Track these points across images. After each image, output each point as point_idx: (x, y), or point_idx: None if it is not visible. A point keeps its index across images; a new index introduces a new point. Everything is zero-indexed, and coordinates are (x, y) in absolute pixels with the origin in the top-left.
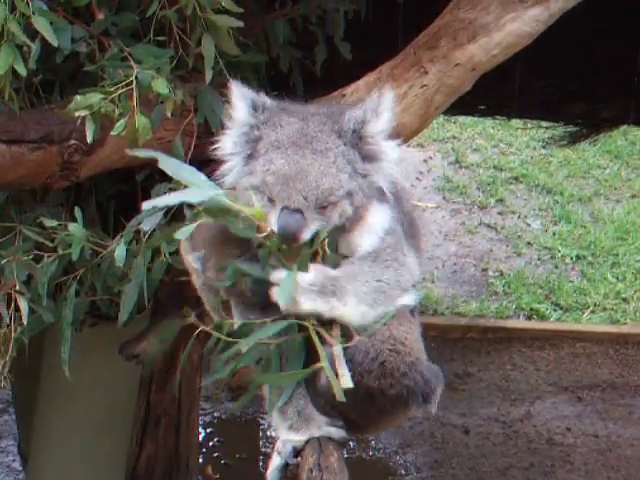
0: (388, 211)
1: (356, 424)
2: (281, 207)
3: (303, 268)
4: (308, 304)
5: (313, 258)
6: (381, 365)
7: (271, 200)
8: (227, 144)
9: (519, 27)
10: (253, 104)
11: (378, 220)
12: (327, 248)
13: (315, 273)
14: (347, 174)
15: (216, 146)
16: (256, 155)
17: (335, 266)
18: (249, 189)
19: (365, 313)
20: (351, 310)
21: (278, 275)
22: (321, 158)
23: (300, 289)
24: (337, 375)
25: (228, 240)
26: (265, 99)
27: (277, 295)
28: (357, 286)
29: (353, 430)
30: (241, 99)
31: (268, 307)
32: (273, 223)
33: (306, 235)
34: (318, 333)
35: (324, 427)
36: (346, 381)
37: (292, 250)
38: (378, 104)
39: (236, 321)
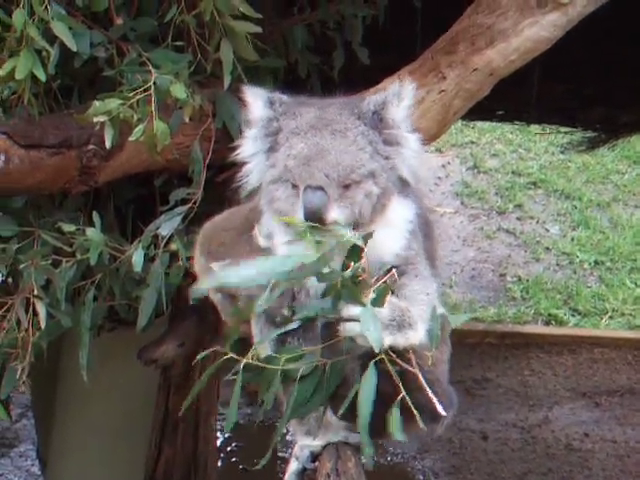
0: (412, 207)
1: (375, 429)
2: (304, 187)
3: (379, 303)
4: (389, 340)
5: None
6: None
7: (295, 186)
8: (247, 145)
9: (537, 32)
10: (269, 99)
11: (402, 214)
12: (396, 276)
13: (390, 307)
14: (368, 154)
15: (237, 151)
16: (277, 147)
17: (392, 291)
18: (274, 182)
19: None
20: (422, 335)
21: (354, 311)
22: (340, 137)
23: (381, 326)
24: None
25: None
26: (281, 95)
27: (357, 333)
28: (420, 311)
29: (372, 435)
30: (256, 98)
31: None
32: (298, 208)
33: (331, 214)
34: (392, 361)
35: (341, 432)
36: (439, 407)
37: (358, 285)
38: (400, 90)
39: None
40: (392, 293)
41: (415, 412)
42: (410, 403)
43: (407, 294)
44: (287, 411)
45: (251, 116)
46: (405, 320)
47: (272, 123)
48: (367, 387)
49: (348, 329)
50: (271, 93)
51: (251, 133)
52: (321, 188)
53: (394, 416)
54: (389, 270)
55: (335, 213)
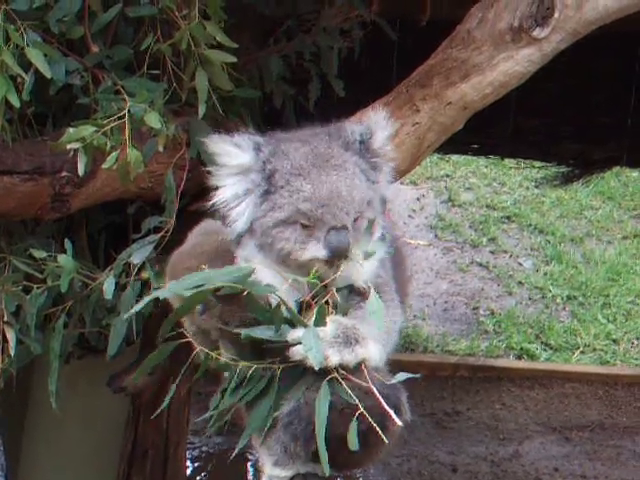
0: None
1: (343, 462)
2: (327, 229)
3: (321, 322)
4: (336, 358)
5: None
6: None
7: (306, 227)
8: (233, 190)
9: (511, 67)
10: (254, 143)
11: (379, 240)
12: (337, 297)
13: (334, 325)
14: (365, 183)
15: (217, 198)
16: (273, 190)
17: (345, 313)
18: (278, 225)
19: (381, 352)
20: (373, 352)
21: (297, 334)
22: (343, 172)
23: (325, 344)
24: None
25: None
26: (256, 137)
27: (302, 354)
28: (370, 330)
29: (339, 467)
30: (237, 146)
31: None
32: (316, 250)
33: (352, 250)
34: (345, 378)
35: (309, 463)
36: (395, 418)
37: (304, 308)
38: (380, 120)
39: (246, 364)
40: (345, 315)
41: (375, 426)
42: (370, 418)
43: (359, 314)
44: (247, 426)
45: (232, 162)
46: (351, 337)
47: (265, 166)
48: (322, 404)
49: (294, 352)
50: (248, 136)
51: (236, 179)
52: (345, 227)
53: (352, 429)
54: (338, 290)
55: (355, 247)
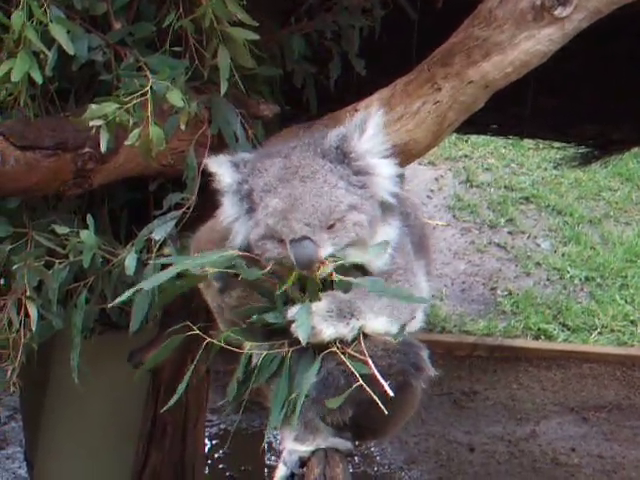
0: (397, 226)
1: (368, 429)
2: (289, 241)
3: (314, 298)
4: (330, 331)
5: (324, 287)
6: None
7: (281, 241)
8: (227, 211)
9: (533, 46)
10: (232, 164)
11: (387, 235)
12: (335, 274)
13: (328, 299)
14: (342, 189)
15: (220, 216)
16: (255, 207)
17: (346, 290)
18: (260, 240)
19: (387, 322)
20: (373, 324)
21: (293, 311)
22: (310, 182)
23: (318, 318)
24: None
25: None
26: (244, 154)
27: (296, 330)
28: (371, 304)
29: (365, 436)
30: (220, 166)
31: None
32: (291, 259)
33: (322, 258)
34: (345, 353)
35: (330, 438)
36: (390, 391)
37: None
38: (363, 121)
39: (257, 351)
40: (343, 289)
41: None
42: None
43: (362, 290)
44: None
45: (222, 184)
46: (346, 311)
47: (242, 186)
48: (308, 374)
49: (293, 329)
50: (234, 157)
51: (227, 199)
52: (305, 237)
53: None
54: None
55: (326, 252)
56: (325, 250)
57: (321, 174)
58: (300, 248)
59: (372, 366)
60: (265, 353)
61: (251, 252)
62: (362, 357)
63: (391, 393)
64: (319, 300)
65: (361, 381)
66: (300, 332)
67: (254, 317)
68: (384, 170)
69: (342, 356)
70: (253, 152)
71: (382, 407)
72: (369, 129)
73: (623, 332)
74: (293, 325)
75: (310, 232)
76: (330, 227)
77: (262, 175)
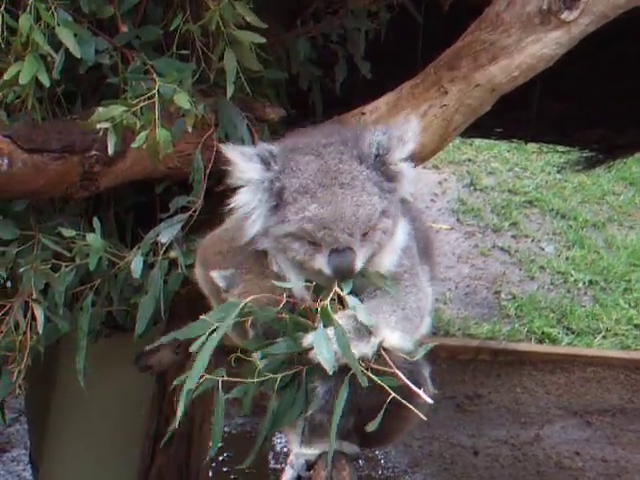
0: (407, 227)
1: (372, 437)
2: (329, 250)
3: (329, 322)
4: (356, 352)
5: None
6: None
7: (313, 243)
8: (245, 200)
9: (540, 50)
10: (263, 160)
11: (400, 235)
12: (344, 292)
13: (344, 321)
14: (377, 195)
15: (233, 203)
16: (283, 204)
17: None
18: (286, 236)
19: (403, 337)
20: (390, 339)
21: (309, 339)
22: (351, 190)
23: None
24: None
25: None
26: (270, 147)
27: (318, 359)
28: (385, 317)
29: (368, 444)
30: (248, 160)
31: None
32: (322, 265)
33: (358, 267)
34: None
35: (336, 442)
36: (428, 399)
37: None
38: (404, 132)
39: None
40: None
41: (412, 408)
42: (404, 401)
43: (375, 304)
44: (267, 421)
45: (244, 175)
46: (362, 329)
47: (274, 183)
48: (340, 399)
49: (312, 357)
50: (260, 149)
51: (247, 190)
52: (348, 248)
53: (379, 417)
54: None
55: (360, 262)
56: (361, 260)
57: (360, 181)
58: (341, 258)
59: (403, 377)
60: (280, 377)
61: (261, 242)
62: (390, 370)
63: (430, 400)
64: (332, 324)
65: (393, 394)
66: (324, 362)
67: (266, 349)
68: (409, 173)
69: (368, 374)
70: (275, 144)
71: (420, 414)
72: (410, 143)
73: (627, 336)
74: (312, 352)
75: (352, 242)
76: (364, 235)
77: (296, 174)
